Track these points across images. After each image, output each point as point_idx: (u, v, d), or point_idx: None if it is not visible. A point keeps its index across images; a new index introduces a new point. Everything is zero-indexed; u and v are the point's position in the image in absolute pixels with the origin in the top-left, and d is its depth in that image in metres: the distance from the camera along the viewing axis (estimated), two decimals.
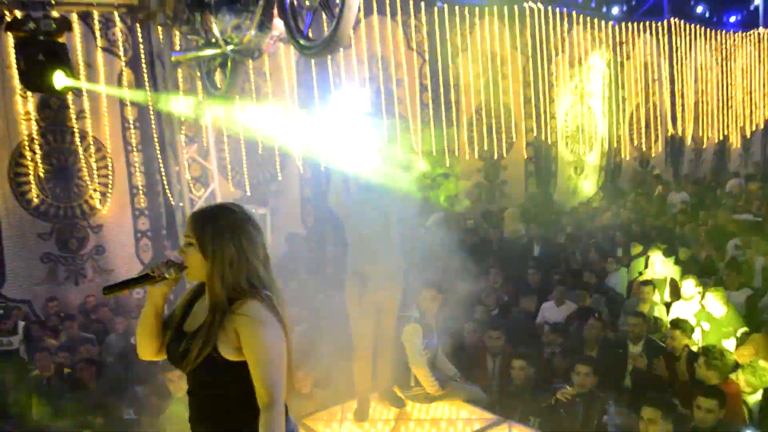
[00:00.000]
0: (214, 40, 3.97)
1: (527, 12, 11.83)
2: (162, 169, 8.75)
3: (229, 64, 4.14)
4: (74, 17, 7.71)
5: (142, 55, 8.67)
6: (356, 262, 4.85)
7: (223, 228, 2.24)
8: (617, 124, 13.47)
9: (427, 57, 10.94)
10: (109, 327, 7.58)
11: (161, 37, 6.91)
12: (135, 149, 8.85)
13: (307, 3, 3.46)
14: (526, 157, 12.23)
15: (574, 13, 12.44)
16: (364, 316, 4.79)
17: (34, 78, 4.75)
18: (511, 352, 5.56)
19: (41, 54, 4.74)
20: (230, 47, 3.79)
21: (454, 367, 5.29)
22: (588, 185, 13.12)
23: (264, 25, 3.66)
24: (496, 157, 11.77)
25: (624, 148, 13.67)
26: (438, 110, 11.07)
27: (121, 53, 8.67)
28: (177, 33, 7.18)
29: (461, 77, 11.33)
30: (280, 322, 2.24)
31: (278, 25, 3.73)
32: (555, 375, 5.72)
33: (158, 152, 8.78)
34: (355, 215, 4.82)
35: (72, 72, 5.00)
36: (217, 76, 4.55)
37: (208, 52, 4.04)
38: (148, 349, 2.42)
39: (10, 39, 7.71)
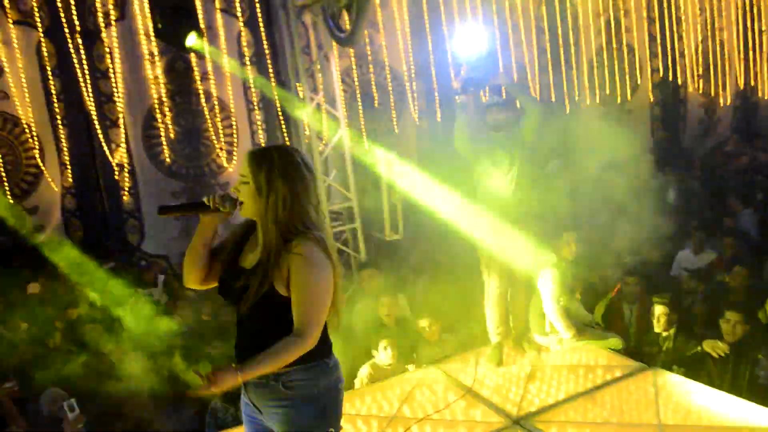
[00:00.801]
0: None
1: None
2: (282, 126, 8.96)
3: (355, 4, 4.08)
4: None
5: (259, 15, 8.81)
6: (486, 205, 4.75)
7: (278, 169, 2.30)
8: (753, 61, 12.38)
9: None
10: None
11: None
12: (256, 107, 9.07)
13: None
14: (651, 100, 11.53)
15: None
16: (497, 262, 4.70)
17: (167, 32, 4.87)
18: (649, 299, 5.30)
19: (170, 8, 4.83)
20: None
21: (589, 313, 5.13)
22: (721, 128, 12.22)
23: None
24: (619, 101, 11.16)
25: (762, 86, 12.57)
26: (556, 53, 10.58)
27: (239, 13, 8.82)
28: None
29: (580, 17, 10.76)
30: (331, 264, 2.35)
31: None
32: (695, 323, 5.45)
33: (278, 109, 8.96)
34: (484, 157, 4.70)
35: (201, 34, 5.09)
36: (341, 21, 4.50)
37: None
38: (193, 277, 2.52)
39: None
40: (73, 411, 4.71)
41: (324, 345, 2.44)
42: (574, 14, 10.71)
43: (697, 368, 4.63)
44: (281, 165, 2.32)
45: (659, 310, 5.00)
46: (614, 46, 11.00)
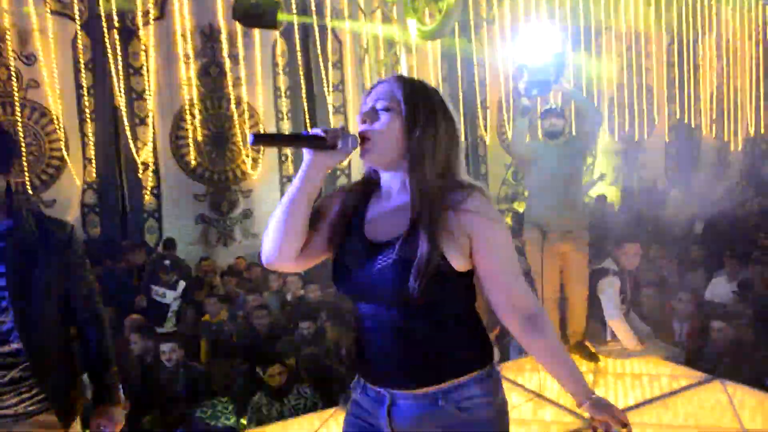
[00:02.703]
0: None
1: None
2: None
3: None
4: None
5: (296, 27, 8.84)
6: (537, 212, 4.71)
7: (437, 101, 1.71)
8: (765, 109, 12.70)
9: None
10: (262, 287, 7.72)
11: None
12: (285, 116, 9.04)
13: None
14: (667, 140, 11.73)
15: None
16: (549, 269, 4.63)
17: (254, 13, 4.81)
18: (707, 314, 5.27)
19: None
20: None
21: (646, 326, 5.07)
22: (731, 172, 12.44)
23: None
24: (636, 139, 11.33)
25: None
26: (579, 87, 10.76)
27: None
28: None
29: (603, 54, 10.98)
30: None
31: None
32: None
33: (307, 120, 8.95)
34: (538, 163, 4.67)
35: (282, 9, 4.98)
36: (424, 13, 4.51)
37: None
38: (287, 249, 1.70)
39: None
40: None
41: (489, 346, 1.76)
42: (597, 51, 10.93)
43: None
44: (438, 98, 1.72)
45: (716, 324, 4.97)
46: (634, 85, 11.20)
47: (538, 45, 4.72)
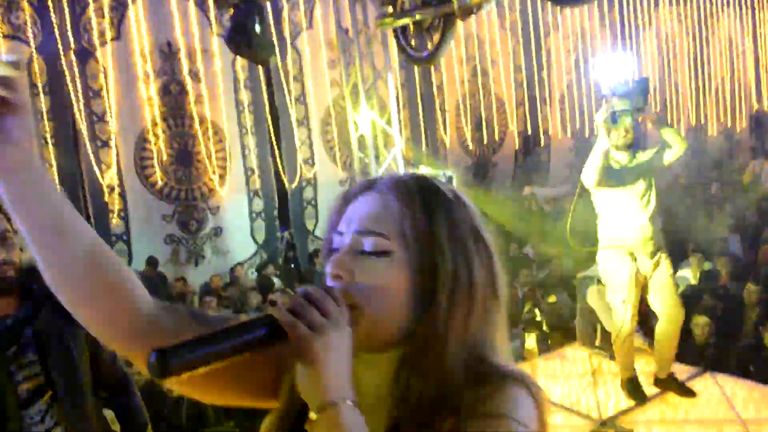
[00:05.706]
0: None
1: None
2: (276, 151, 8.97)
3: (441, 25, 4.16)
4: None
5: None
6: (619, 232, 4.24)
7: (469, 222, 0.96)
8: (702, 101, 13.37)
9: (520, 38, 10.99)
10: (243, 306, 7.69)
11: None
12: (249, 132, 9.00)
13: None
14: None
15: None
16: (635, 294, 4.21)
17: (246, 43, 4.76)
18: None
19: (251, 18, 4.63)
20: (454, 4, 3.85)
21: None
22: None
23: None
24: (587, 135, 11.75)
25: (711, 125, 13.55)
26: (532, 88, 11.12)
27: None
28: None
29: (553, 54, 11.34)
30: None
31: None
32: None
33: (271, 134, 8.96)
34: (610, 180, 4.36)
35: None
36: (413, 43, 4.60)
37: (425, 12, 4.10)
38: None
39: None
40: None
41: None
42: (547, 50, 11.30)
43: None
44: (468, 219, 0.96)
45: (700, 320, 5.28)
46: (583, 82, 11.61)
47: (620, 73, 4.35)
